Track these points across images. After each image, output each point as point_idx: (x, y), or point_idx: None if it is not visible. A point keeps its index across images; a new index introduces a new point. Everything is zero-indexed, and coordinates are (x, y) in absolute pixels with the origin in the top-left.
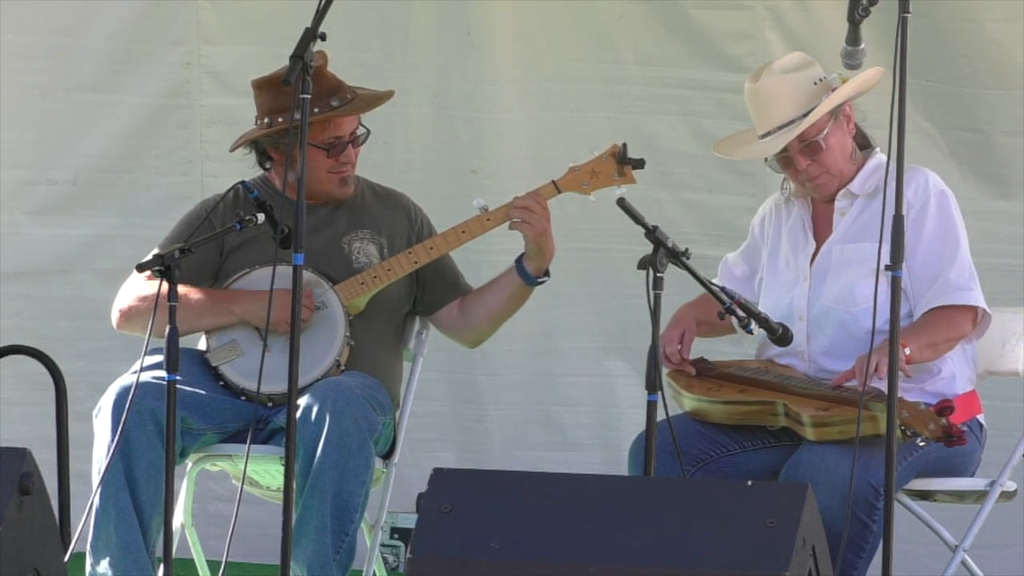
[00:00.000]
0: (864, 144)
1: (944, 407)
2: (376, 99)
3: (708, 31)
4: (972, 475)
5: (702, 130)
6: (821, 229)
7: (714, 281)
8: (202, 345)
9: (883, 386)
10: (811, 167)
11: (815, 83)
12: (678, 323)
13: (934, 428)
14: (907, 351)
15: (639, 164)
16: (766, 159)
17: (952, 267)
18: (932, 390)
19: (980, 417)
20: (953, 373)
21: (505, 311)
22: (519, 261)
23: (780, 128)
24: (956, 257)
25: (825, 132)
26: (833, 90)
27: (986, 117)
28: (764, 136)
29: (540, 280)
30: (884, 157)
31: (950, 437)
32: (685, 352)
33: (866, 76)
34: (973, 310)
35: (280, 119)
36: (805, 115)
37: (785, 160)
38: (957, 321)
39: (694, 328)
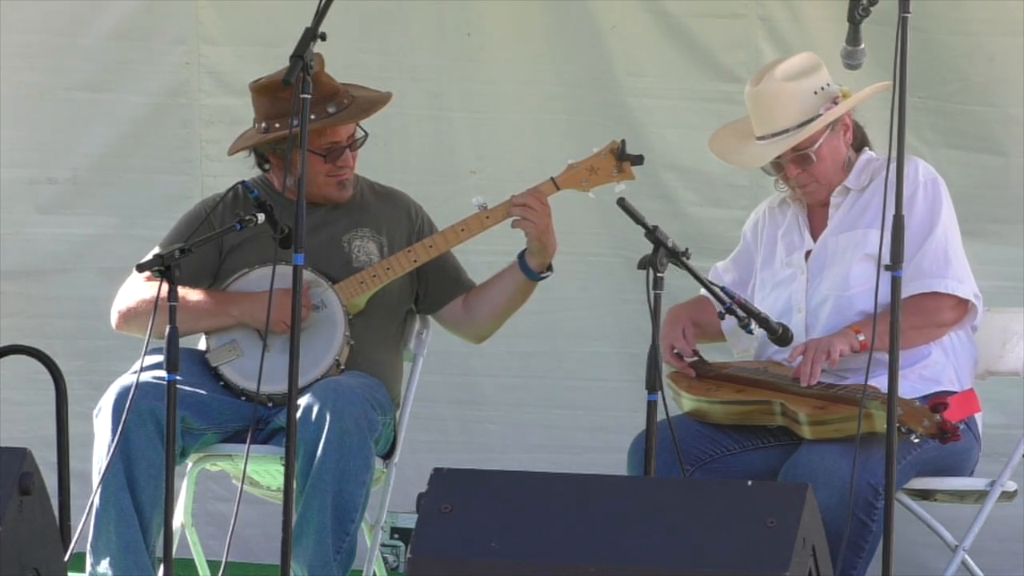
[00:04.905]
0: (862, 145)
1: (938, 403)
2: (373, 104)
3: (701, 41)
4: (970, 473)
5: (695, 141)
6: (817, 226)
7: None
8: (202, 345)
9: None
10: (801, 176)
11: (815, 92)
12: (676, 321)
13: (928, 424)
14: (860, 337)
15: (638, 160)
16: None
17: (927, 253)
18: (928, 375)
19: (978, 416)
20: (944, 361)
21: (509, 307)
22: (521, 257)
23: (776, 135)
24: (930, 242)
25: (819, 144)
26: (834, 99)
27: (977, 135)
28: (760, 139)
29: (543, 275)
30: (873, 153)
31: (944, 433)
32: (691, 344)
33: (868, 91)
34: (951, 297)
35: (277, 124)
36: (801, 125)
37: (778, 164)
38: (927, 307)
39: (692, 327)
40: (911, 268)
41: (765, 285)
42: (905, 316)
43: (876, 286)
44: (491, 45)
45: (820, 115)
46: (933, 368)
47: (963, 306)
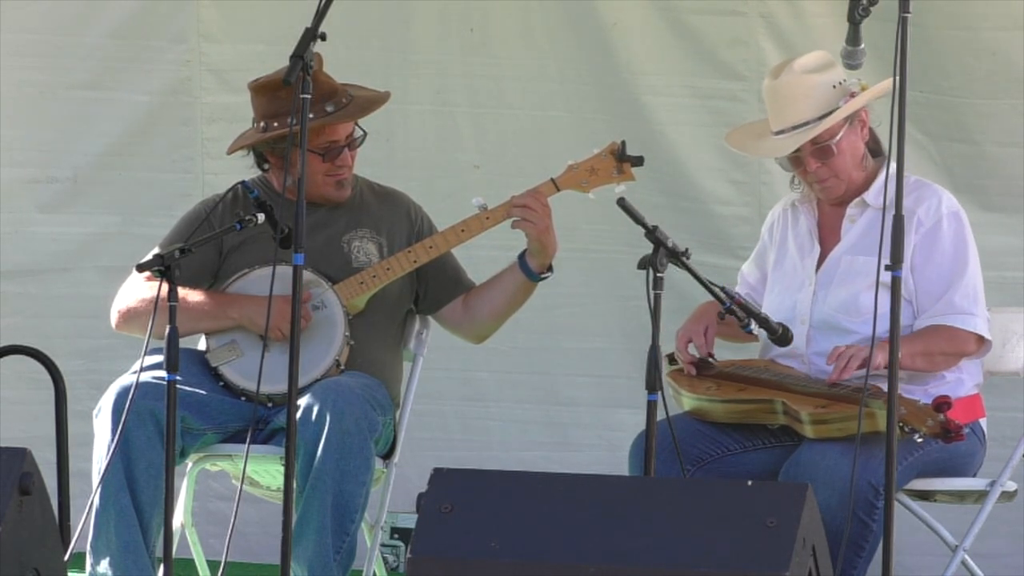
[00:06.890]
0: (876, 151)
1: (941, 403)
2: (372, 103)
3: (702, 38)
4: (973, 476)
5: (696, 137)
6: (827, 235)
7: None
8: (202, 345)
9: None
10: (820, 170)
11: (834, 86)
12: (701, 318)
13: (931, 424)
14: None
15: (638, 161)
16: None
17: (958, 290)
18: (936, 392)
19: (982, 421)
20: (960, 378)
21: (509, 307)
22: (522, 257)
23: (795, 128)
24: (963, 280)
25: (839, 137)
26: (852, 94)
27: (979, 128)
28: (778, 133)
29: (543, 276)
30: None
31: (947, 433)
32: (709, 346)
33: (885, 84)
34: (974, 334)
35: (276, 124)
36: (821, 118)
37: (796, 160)
38: (958, 339)
39: (716, 326)
40: (942, 302)
41: (774, 287)
42: (935, 341)
43: (896, 313)
44: (494, 41)
45: (839, 107)
46: (945, 387)
47: (982, 341)
